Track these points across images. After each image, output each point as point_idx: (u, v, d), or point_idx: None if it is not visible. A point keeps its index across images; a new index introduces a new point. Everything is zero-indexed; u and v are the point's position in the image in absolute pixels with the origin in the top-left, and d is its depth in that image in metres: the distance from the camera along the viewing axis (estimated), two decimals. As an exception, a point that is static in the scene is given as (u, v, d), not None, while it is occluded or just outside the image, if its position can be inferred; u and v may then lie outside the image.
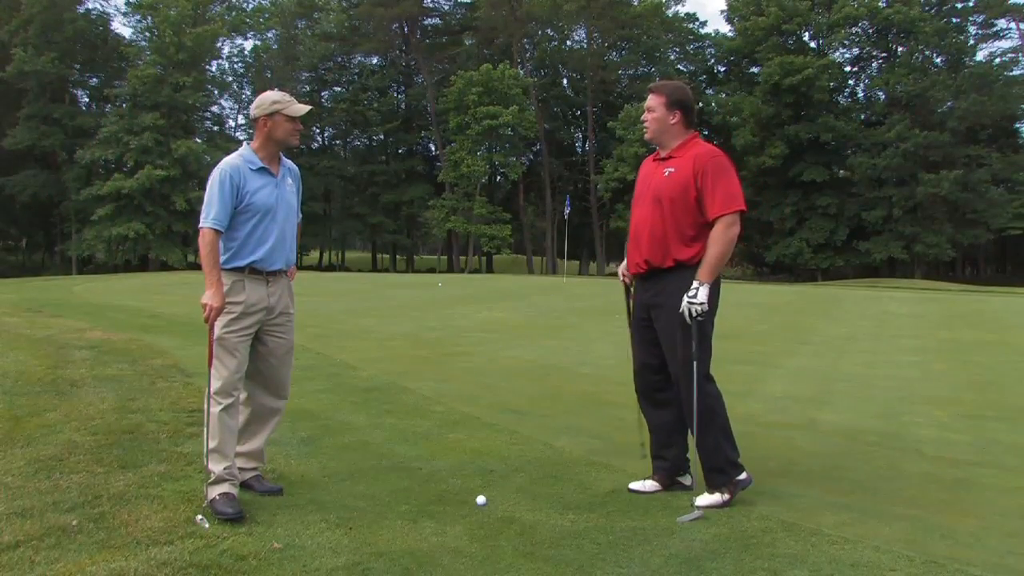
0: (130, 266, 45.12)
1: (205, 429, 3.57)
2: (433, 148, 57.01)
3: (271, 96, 3.68)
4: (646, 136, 3.98)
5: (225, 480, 3.51)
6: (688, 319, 3.67)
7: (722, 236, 3.70)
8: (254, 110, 3.70)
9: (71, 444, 4.41)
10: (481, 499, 3.70)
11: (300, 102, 3.76)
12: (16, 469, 3.95)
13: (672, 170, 3.84)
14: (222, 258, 3.61)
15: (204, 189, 3.64)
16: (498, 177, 54.91)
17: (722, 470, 3.76)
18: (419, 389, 6.45)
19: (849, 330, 12.76)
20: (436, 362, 8.21)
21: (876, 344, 10.96)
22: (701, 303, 3.64)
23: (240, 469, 3.72)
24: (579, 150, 59.01)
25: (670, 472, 3.99)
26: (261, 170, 3.68)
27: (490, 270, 55.01)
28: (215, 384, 3.56)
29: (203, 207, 3.59)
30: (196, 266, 52.01)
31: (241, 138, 56.37)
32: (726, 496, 3.73)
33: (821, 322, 14.02)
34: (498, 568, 2.99)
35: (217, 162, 3.68)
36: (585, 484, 4.04)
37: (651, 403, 4.02)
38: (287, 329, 3.81)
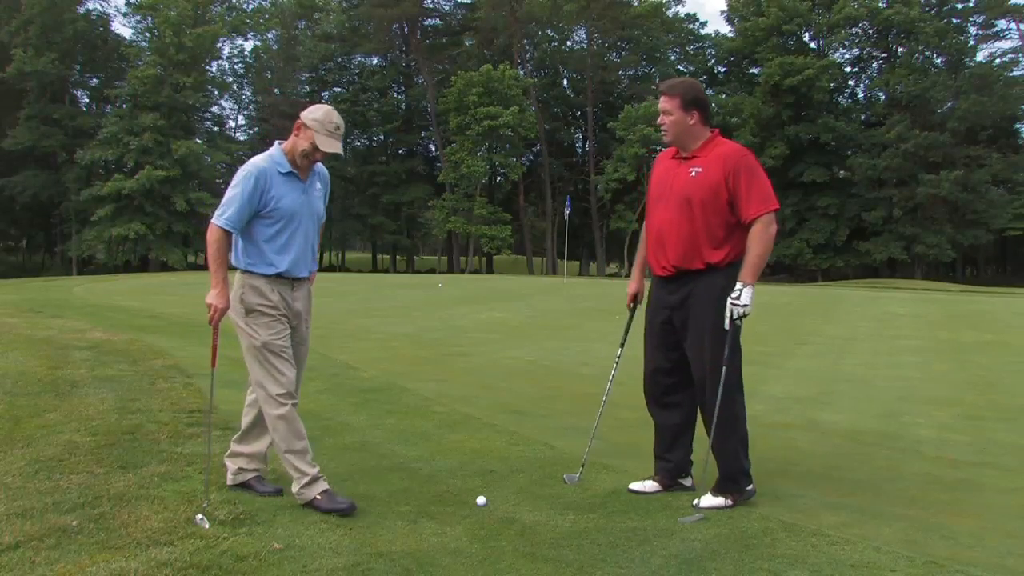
0: (130, 267, 45.15)
1: (272, 435, 3.54)
2: (433, 149, 57.03)
3: (321, 114, 3.53)
4: (665, 139, 3.86)
5: (318, 478, 3.50)
6: (728, 322, 3.60)
7: (762, 235, 3.63)
8: (303, 113, 3.57)
9: (71, 445, 4.40)
10: (481, 500, 3.69)
11: (333, 139, 3.52)
12: (16, 470, 3.94)
13: (699, 170, 3.73)
14: (247, 261, 3.54)
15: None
16: (498, 178, 54.88)
17: (735, 479, 3.75)
18: (419, 390, 6.45)
19: (849, 331, 12.76)
20: (436, 362, 8.21)
21: (876, 345, 10.96)
22: (745, 305, 3.58)
23: (241, 469, 3.72)
24: (579, 150, 58.99)
25: (672, 474, 3.97)
26: (289, 174, 3.57)
27: (490, 271, 55.00)
28: (276, 388, 3.49)
29: (222, 202, 3.49)
30: (196, 266, 52.04)
31: (241, 139, 56.41)
32: (729, 502, 3.72)
33: (821, 323, 14.01)
34: (498, 569, 2.98)
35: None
36: (585, 484, 4.04)
37: (659, 405, 3.98)
38: (307, 334, 3.78)
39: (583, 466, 4.17)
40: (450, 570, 2.96)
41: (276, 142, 3.67)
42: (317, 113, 3.54)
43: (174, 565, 2.87)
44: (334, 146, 3.53)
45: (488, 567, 2.99)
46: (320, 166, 3.77)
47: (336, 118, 3.56)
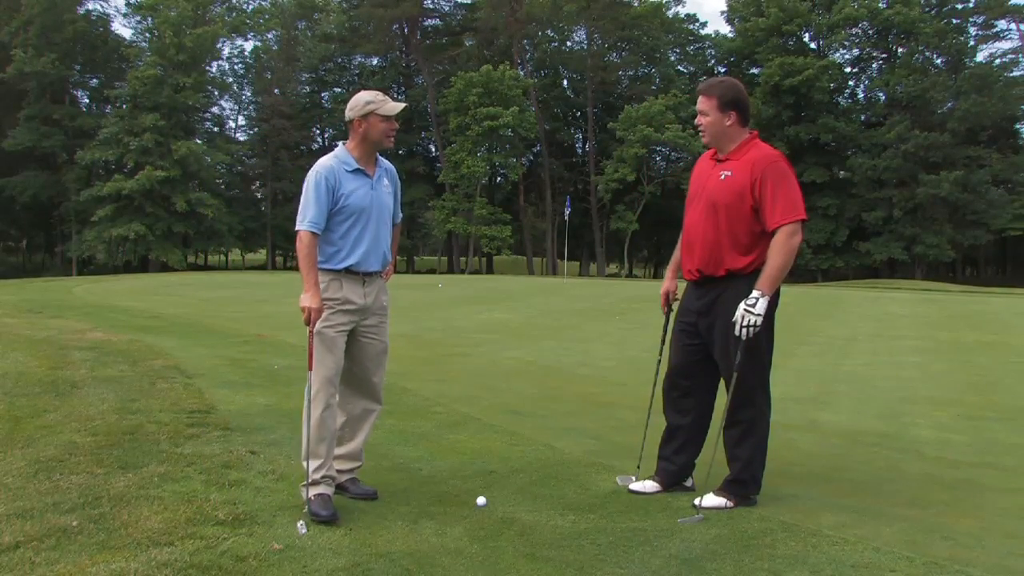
0: (130, 267, 45.16)
1: (304, 429, 3.56)
2: (433, 149, 56.98)
3: (364, 97, 3.62)
4: (703, 141, 3.81)
5: (321, 482, 3.51)
6: (737, 330, 3.52)
7: (784, 246, 3.53)
8: (348, 112, 3.64)
9: (71, 445, 4.40)
10: (481, 500, 3.69)
11: (393, 101, 3.66)
12: (16, 470, 3.94)
13: (728, 173, 3.68)
14: (319, 259, 3.59)
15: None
16: (498, 178, 54.84)
17: (745, 483, 3.74)
18: (419, 390, 6.45)
19: (849, 331, 12.75)
20: (436, 363, 8.21)
21: (876, 345, 10.96)
22: (759, 315, 3.48)
23: (338, 471, 3.70)
24: (579, 151, 58.98)
25: (674, 476, 3.96)
26: (356, 171, 3.63)
27: (490, 271, 55.01)
28: (316, 382, 3.55)
29: (299, 210, 3.57)
30: (196, 267, 52.04)
31: (241, 139, 56.34)
32: (731, 503, 3.72)
33: (822, 323, 14.01)
34: (498, 569, 2.98)
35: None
36: (585, 485, 4.04)
37: (674, 407, 3.96)
38: (381, 330, 3.79)
39: (639, 467, 4.11)
40: (450, 570, 2.96)
41: (340, 143, 3.75)
42: (360, 100, 3.61)
43: (174, 565, 2.87)
44: (397, 106, 3.61)
45: (488, 567, 2.99)
46: (388, 164, 3.83)
47: (374, 92, 3.66)
